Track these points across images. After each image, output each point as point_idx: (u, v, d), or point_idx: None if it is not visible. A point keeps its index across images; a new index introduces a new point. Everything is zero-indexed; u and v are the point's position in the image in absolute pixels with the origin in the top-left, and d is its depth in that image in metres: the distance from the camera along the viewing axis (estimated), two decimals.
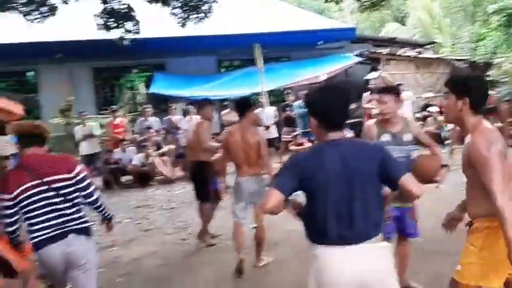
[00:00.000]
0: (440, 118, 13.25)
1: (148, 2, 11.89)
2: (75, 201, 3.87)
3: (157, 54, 17.67)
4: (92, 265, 3.92)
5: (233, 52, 18.46)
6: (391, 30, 24.85)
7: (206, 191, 6.74)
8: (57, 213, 3.79)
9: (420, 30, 23.88)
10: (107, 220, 4.25)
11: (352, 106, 16.37)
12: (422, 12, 24.28)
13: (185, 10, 12.27)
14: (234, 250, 5.66)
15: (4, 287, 4.10)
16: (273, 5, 19.95)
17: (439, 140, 12.09)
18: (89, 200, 3.97)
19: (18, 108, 7.25)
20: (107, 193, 11.82)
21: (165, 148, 12.95)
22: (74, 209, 3.85)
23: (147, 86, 17.71)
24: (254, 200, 5.47)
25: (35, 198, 3.75)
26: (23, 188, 3.74)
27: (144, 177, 12.42)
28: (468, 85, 2.97)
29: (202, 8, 12.25)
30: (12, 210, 3.75)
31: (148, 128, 13.39)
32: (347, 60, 17.25)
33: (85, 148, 13.43)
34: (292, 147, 12.45)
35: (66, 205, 3.82)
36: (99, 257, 6.64)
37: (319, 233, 2.69)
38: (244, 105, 5.82)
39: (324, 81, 15.54)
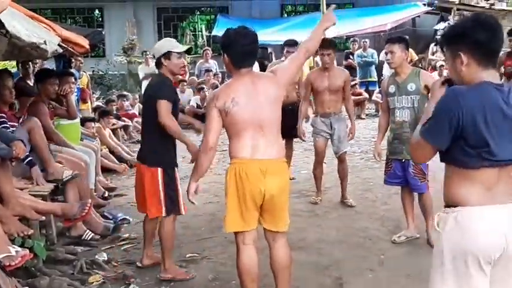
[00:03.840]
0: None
1: None
2: None
3: None
4: None
5: None
6: None
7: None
8: None
9: None
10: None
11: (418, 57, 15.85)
12: None
13: None
14: None
15: None
16: None
17: None
18: None
19: (84, 42, 7.40)
20: None
21: None
22: None
23: (209, 28, 17.74)
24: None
25: None
26: None
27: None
28: None
29: None
30: None
31: (208, 70, 13.47)
32: (414, 9, 16.57)
33: None
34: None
35: None
36: None
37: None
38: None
39: (389, 31, 15.07)
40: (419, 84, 4.50)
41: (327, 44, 5.66)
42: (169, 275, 4.18)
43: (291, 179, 6.80)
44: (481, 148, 2.19)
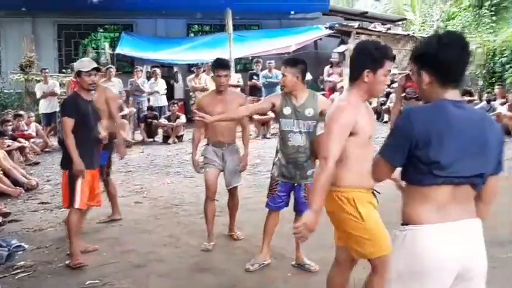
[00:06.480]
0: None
1: None
2: None
3: (126, 14, 17.27)
4: None
5: (203, 16, 18.17)
6: (363, 4, 24.78)
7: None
8: None
9: (392, 7, 23.89)
10: None
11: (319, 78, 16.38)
12: None
13: None
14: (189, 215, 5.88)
15: None
16: None
17: None
18: None
19: None
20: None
21: (126, 111, 12.69)
22: None
23: (113, 46, 17.33)
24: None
25: None
26: None
27: None
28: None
29: None
30: None
31: None
32: (317, 31, 17.18)
33: (44, 106, 13.17)
34: (256, 117, 12.24)
35: None
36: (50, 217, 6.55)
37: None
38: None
39: (293, 52, 15.46)
40: (318, 109, 4.38)
41: (224, 64, 5.27)
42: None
43: None
44: (432, 164, 2.17)
